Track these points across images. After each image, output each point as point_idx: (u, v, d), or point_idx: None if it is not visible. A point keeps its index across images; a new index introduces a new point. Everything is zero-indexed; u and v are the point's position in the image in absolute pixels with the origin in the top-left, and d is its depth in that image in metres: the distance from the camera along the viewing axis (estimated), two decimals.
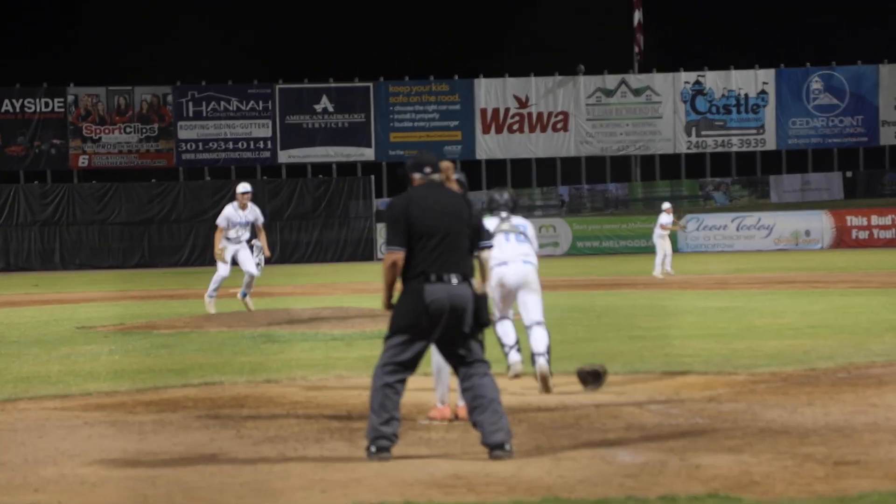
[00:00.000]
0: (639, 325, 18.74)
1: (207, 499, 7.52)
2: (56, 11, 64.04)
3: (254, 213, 22.01)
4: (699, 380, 12.41)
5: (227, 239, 21.91)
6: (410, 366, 8.78)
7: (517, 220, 12.55)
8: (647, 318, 19.86)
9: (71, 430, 10.14)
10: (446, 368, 9.97)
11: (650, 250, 55.07)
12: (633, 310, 21.90)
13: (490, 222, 12.15)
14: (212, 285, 22.00)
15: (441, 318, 8.67)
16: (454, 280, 8.70)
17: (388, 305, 8.85)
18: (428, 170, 9.13)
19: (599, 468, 8.20)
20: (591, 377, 11.82)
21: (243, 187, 22.20)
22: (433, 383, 10.35)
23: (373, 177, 59.12)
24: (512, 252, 12.27)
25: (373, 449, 8.52)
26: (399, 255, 8.70)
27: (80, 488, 7.90)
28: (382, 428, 8.55)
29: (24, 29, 63.43)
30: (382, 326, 17.07)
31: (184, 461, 8.72)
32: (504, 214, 12.45)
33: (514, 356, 12.20)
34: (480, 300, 8.84)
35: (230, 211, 22.01)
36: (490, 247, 9.32)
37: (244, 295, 21.79)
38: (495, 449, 8.55)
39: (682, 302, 23.65)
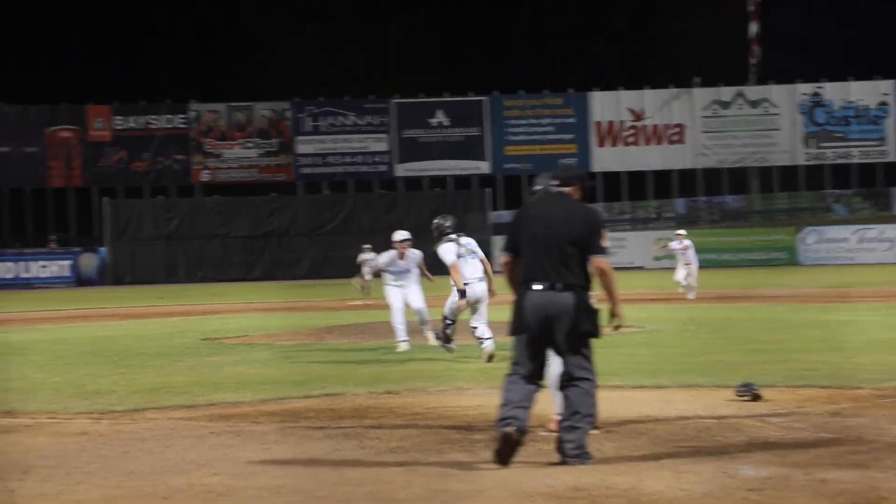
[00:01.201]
0: (758, 338, 18.53)
1: None
2: (179, 30, 65.19)
3: (414, 259, 19.17)
4: (822, 393, 12.24)
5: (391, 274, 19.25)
6: (525, 365, 8.92)
7: (465, 240, 16.17)
8: (766, 332, 19.62)
9: (197, 440, 10.31)
10: None
11: (769, 263, 54.55)
12: (751, 323, 21.66)
13: (448, 248, 15.84)
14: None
15: (537, 324, 8.84)
16: (556, 287, 8.83)
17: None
18: (555, 182, 9.39)
19: (722, 482, 8.13)
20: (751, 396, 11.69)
21: (400, 235, 19.23)
22: (551, 395, 10.39)
23: (488, 190, 59.21)
24: (471, 272, 16.07)
25: (499, 426, 8.66)
26: (505, 259, 9.14)
27: (207, 497, 8.03)
28: (503, 410, 8.74)
29: (148, 47, 64.67)
30: (500, 338, 17.13)
31: (307, 471, 8.83)
32: (456, 238, 15.89)
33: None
34: (582, 310, 8.88)
35: (387, 259, 19.25)
36: (602, 256, 9.21)
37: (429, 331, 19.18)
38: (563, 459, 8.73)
39: (802, 315, 23.32)
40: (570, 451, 8.75)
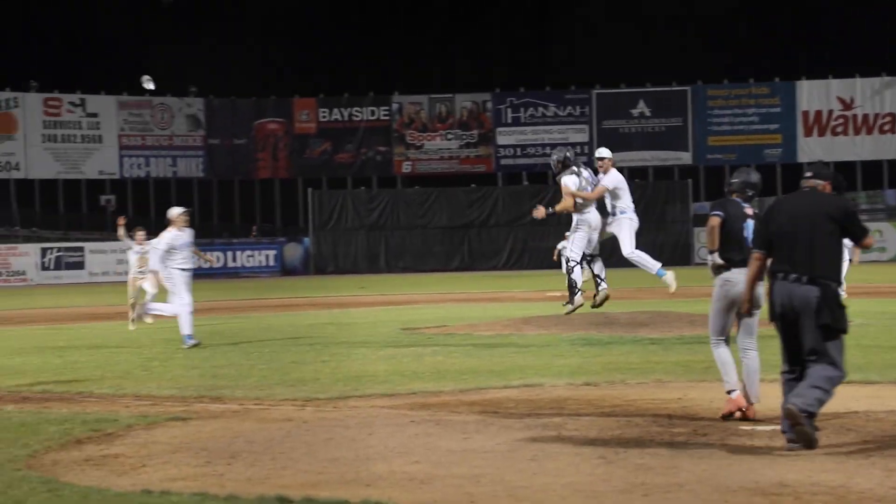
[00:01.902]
0: None
1: (531, 498, 7.60)
2: (383, 24, 66.04)
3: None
4: None
5: None
6: (787, 352, 9.28)
7: (586, 173, 18.20)
8: None
9: (398, 428, 10.42)
10: (731, 362, 10.60)
11: None
12: None
13: (571, 179, 17.90)
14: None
15: (785, 316, 9.14)
16: (801, 280, 9.07)
17: (748, 298, 9.87)
18: (808, 175, 9.66)
19: None
20: None
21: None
22: (747, 385, 10.39)
23: (690, 181, 58.47)
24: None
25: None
26: (757, 256, 9.56)
27: (409, 485, 8.12)
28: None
29: (352, 40, 65.69)
30: (701, 332, 16.88)
31: (507, 461, 8.84)
32: (577, 170, 18.07)
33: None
34: (827, 303, 9.03)
35: None
36: (866, 237, 9.46)
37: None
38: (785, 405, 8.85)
39: None
40: (800, 403, 8.83)
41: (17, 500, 7.76)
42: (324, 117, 64.28)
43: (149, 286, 23.93)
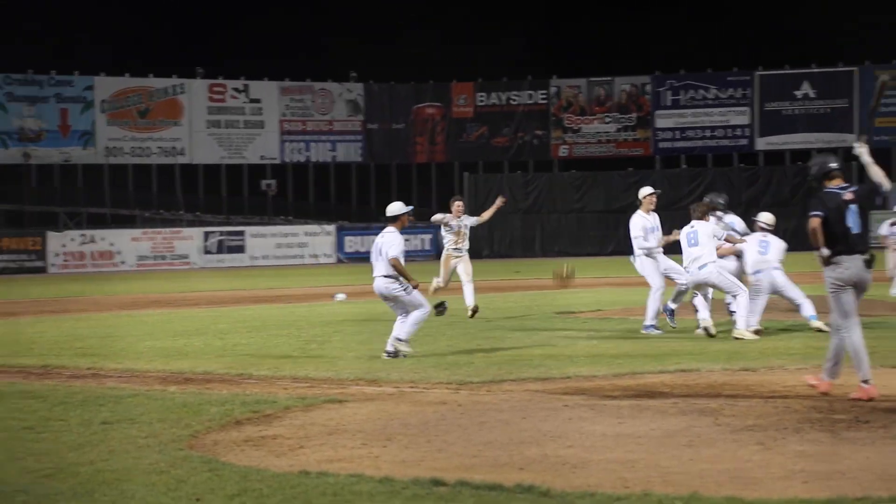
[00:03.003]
0: None
1: (685, 484, 7.51)
2: (542, 7, 65.79)
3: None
4: None
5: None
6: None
7: (729, 219, 17.98)
8: None
9: (552, 412, 10.40)
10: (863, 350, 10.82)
11: None
12: None
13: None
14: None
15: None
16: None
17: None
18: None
19: None
20: None
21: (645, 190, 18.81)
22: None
23: (854, 163, 57.17)
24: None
25: None
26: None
27: (562, 469, 8.10)
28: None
29: (511, 23, 65.68)
30: (868, 317, 16.47)
31: (661, 446, 8.76)
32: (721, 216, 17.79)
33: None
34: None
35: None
36: None
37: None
38: None
39: None
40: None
41: (180, 478, 7.94)
42: (481, 101, 64.41)
43: (463, 270, 21.06)
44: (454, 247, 21.18)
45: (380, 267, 15.20)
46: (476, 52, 64.62)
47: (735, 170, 58.75)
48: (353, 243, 55.63)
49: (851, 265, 10.74)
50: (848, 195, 10.83)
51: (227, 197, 61.89)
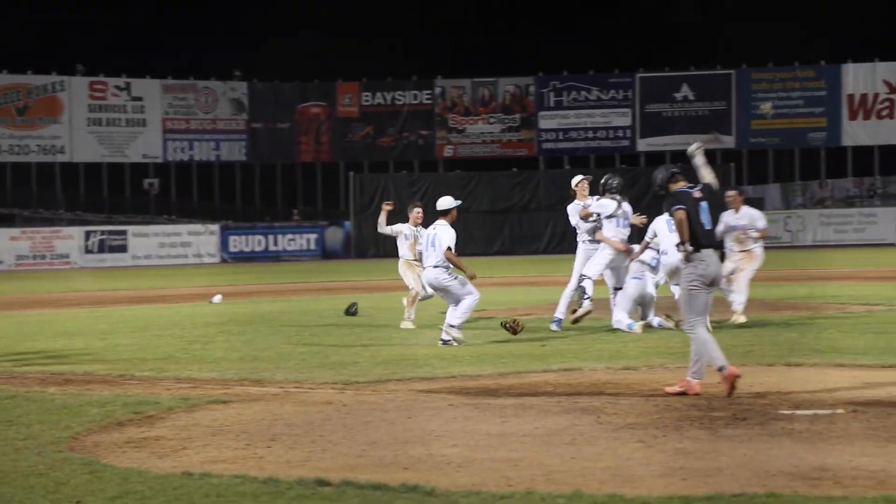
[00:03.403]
0: None
1: (568, 482, 7.59)
2: (426, 7, 65.94)
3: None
4: None
5: None
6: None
7: (626, 206, 17.54)
8: None
9: (437, 412, 10.44)
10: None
11: None
12: None
13: (608, 204, 17.38)
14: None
15: None
16: None
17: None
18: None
19: None
20: None
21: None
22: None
23: (732, 164, 58.17)
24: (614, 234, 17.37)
25: None
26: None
27: (447, 468, 8.13)
28: None
29: (395, 24, 65.73)
30: (751, 317, 16.81)
31: (545, 445, 8.84)
32: (619, 199, 17.51)
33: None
34: None
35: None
36: None
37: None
38: None
39: None
40: None
41: (59, 481, 7.83)
42: (366, 101, 64.38)
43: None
44: (411, 256, 20.07)
45: (431, 258, 16.08)
46: (361, 51, 64.62)
47: (616, 170, 59.42)
48: (237, 243, 55.22)
49: (710, 261, 11.20)
50: (697, 193, 11.43)
51: (108, 196, 61.08)
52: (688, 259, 11.20)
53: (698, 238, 11.22)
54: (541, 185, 57.17)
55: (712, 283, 11.34)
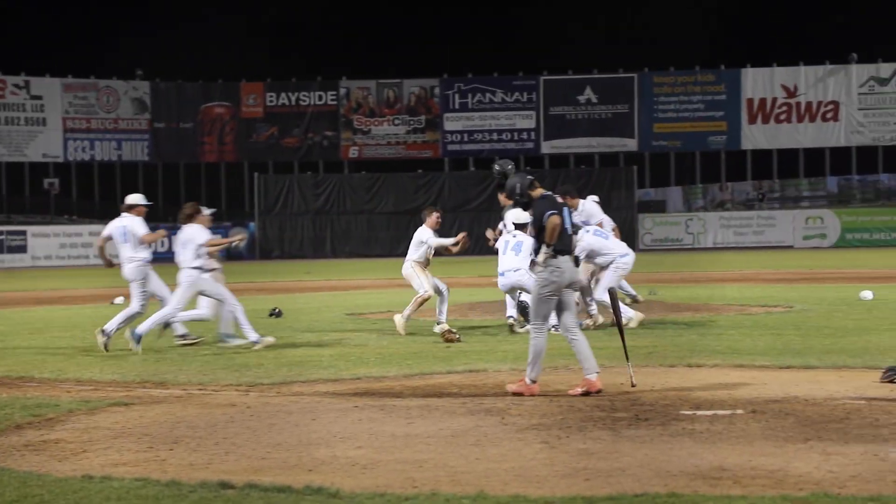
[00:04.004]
0: None
1: (473, 484, 7.62)
2: (331, 8, 65.81)
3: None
4: None
5: None
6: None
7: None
8: None
9: (342, 413, 10.42)
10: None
11: None
12: None
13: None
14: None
15: None
16: None
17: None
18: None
19: (871, 464, 7.95)
20: None
21: None
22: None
23: (635, 167, 58.77)
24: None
25: None
26: None
27: (352, 470, 8.12)
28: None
29: (301, 24, 65.51)
30: (645, 316, 16.97)
31: (449, 446, 8.86)
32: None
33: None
34: None
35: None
36: None
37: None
38: None
39: None
40: None
41: None
42: (271, 102, 64.05)
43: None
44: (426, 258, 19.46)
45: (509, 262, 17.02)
46: (266, 51, 64.27)
47: (521, 173, 59.73)
48: None
49: (566, 267, 11.32)
50: (560, 199, 11.73)
51: (7, 196, 60.11)
52: (546, 263, 11.30)
53: (561, 244, 11.36)
54: (446, 186, 57.31)
55: (570, 285, 11.47)
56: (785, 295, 23.86)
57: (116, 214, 17.48)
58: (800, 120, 62.24)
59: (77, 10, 64.81)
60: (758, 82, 62.50)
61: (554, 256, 11.25)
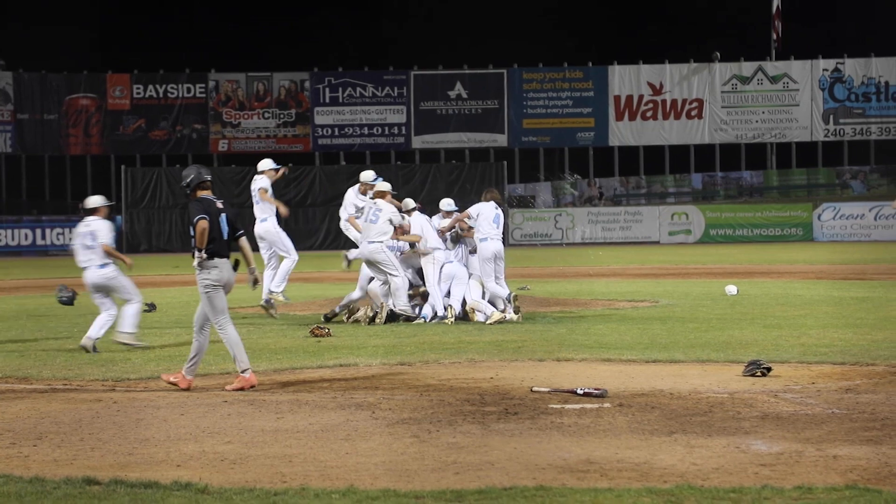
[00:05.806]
0: (773, 314, 18.50)
1: (343, 478, 7.63)
2: (199, 1, 65.10)
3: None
4: (836, 370, 12.24)
5: None
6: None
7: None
8: (781, 308, 19.59)
9: (211, 408, 10.35)
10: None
11: (785, 239, 54.37)
12: (766, 299, 21.60)
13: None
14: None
15: None
16: None
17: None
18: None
19: (734, 457, 8.14)
20: None
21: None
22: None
23: (505, 163, 59.16)
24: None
25: None
26: None
27: (220, 465, 8.07)
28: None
29: (168, 16, 64.66)
30: (527, 313, 17.06)
31: (319, 441, 8.85)
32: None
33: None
34: None
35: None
36: None
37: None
38: None
39: (817, 291, 23.26)
40: None
41: None
42: (138, 94, 63.11)
43: None
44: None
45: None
46: (132, 43, 63.34)
47: (392, 167, 59.78)
48: (2, 236, 53.53)
49: (223, 268, 11.90)
50: (220, 204, 12.19)
51: None
52: (202, 266, 11.84)
53: (214, 246, 11.86)
54: (317, 180, 57.11)
55: (226, 286, 11.99)
56: (651, 290, 24.24)
57: None
58: (665, 117, 63.17)
59: None
60: (625, 80, 63.30)
61: (210, 258, 11.85)
